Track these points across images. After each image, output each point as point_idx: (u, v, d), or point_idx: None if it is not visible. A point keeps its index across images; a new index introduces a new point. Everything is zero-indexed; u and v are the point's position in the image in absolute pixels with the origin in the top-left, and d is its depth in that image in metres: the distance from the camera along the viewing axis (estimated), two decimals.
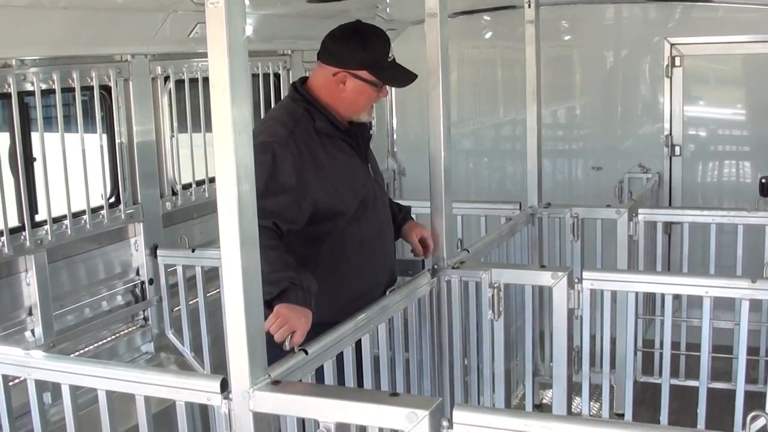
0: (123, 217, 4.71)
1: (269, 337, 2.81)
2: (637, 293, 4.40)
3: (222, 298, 2.48)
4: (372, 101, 3.56)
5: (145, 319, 4.94)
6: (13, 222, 4.09)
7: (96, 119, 4.54)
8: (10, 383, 2.97)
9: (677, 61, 6.54)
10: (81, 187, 4.42)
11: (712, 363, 3.97)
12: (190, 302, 4.80)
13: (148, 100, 4.87)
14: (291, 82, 5.86)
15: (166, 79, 4.99)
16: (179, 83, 5.09)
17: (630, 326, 4.24)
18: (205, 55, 2.29)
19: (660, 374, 4.47)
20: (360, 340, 3.17)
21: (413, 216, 3.98)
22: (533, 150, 5.25)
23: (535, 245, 5.18)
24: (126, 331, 4.86)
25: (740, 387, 3.80)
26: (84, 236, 4.50)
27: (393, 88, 3.69)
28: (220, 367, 4.32)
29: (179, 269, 4.78)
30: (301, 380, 2.74)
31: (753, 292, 3.64)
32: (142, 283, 4.89)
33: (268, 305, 2.98)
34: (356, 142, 3.58)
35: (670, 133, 6.63)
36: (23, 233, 4.11)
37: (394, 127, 7.44)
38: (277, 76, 5.98)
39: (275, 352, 2.77)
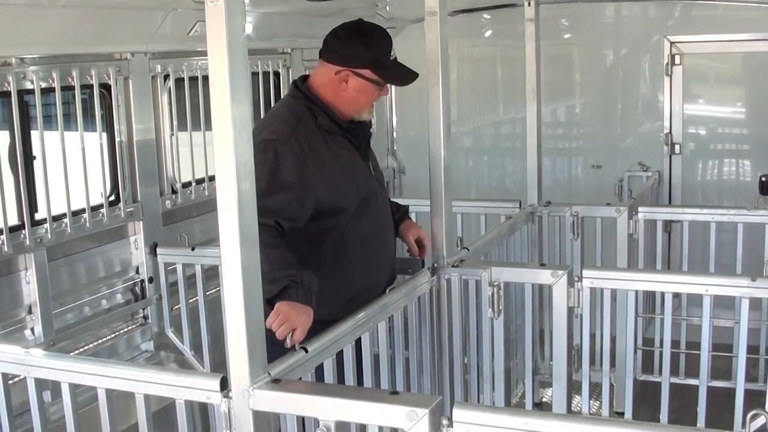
0: (123, 215, 4.71)
1: (270, 334, 2.81)
2: (637, 291, 4.40)
3: (222, 297, 2.48)
4: (373, 100, 3.58)
5: (145, 317, 4.95)
6: (13, 220, 4.09)
7: (96, 118, 4.54)
8: (10, 381, 2.97)
9: (677, 60, 6.53)
10: (81, 185, 4.42)
11: (712, 361, 3.97)
12: (190, 301, 4.80)
13: (148, 98, 4.87)
14: (291, 80, 5.89)
15: (166, 77, 4.99)
16: (179, 81, 5.09)
17: (630, 324, 4.24)
18: (204, 53, 2.29)
19: (660, 373, 4.47)
20: (360, 338, 3.17)
21: (413, 215, 3.98)
22: (533, 148, 5.25)
23: (535, 244, 5.18)
24: (126, 329, 4.86)
25: (740, 385, 3.80)
26: (84, 234, 4.50)
27: (393, 87, 3.69)
28: (219, 365, 4.32)
29: (179, 268, 4.78)
30: (300, 378, 2.74)
31: (753, 291, 3.64)
32: (142, 281, 4.90)
33: (270, 303, 2.98)
34: (357, 139, 3.59)
35: (670, 132, 6.63)
36: (23, 231, 4.11)
37: (394, 126, 7.44)
38: (276, 74, 5.98)
39: (277, 349, 2.78)
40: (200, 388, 2.52)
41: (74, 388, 2.79)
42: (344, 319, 3.08)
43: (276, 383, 2.47)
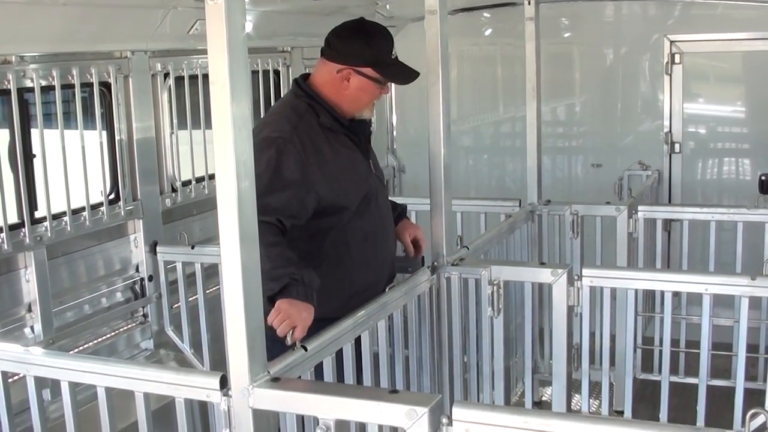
0: (122, 213, 4.71)
1: (271, 332, 2.81)
2: (636, 290, 4.40)
3: (221, 295, 2.48)
4: (375, 98, 3.59)
5: (145, 315, 4.95)
6: (13, 218, 4.08)
7: (96, 116, 4.54)
8: (10, 380, 2.96)
9: (677, 59, 6.53)
10: (80, 183, 4.42)
11: (712, 360, 3.97)
12: (190, 299, 4.80)
13: (148, 96, 4.87)
14: (291, 79, 5.90)
15: (166, 75, 4.99)
16: (179, 80, 5.08)
17: (629, 323, 4.24)
18: (204, 51, 2.29)
19: (659, 371, 4.47)
20: (360, 337, 3.17)
21: (412, 213, 3.98)
22: (533, 147, 5.25)
23: (535, 242, 5.18)
24: (125, 327, 4.86)
25: (740, 384, 3.80)
26: (83, 233, 4.50)
27: (393, 86, 3.70)
28: (219, 363, 4.32)
29: (179, 266, 4.78)
30: (300, 377, 2.74)
31: (752, 290, 3.64)
32: (142, 279, 4.90)
33: (271, 301, 2.99)
34: (358, 137, 3.61)
35: (670, 131, 6.63)
36: (23, 230, 4.10)
37: (394, 124, 7.44)
38: (276, 72, 5.98)
39: (277, 347, 2.78)
40: (200, 386, 2.52)
41: (74, 386, 2.79)
42: (344, 318, 3.09)
43: (276, 382, 2.47)
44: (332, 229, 3.46)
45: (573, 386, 4.09)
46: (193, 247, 4.76)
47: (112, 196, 4.69)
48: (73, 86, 4.36)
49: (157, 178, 4.98)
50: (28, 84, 4.12)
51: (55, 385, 3.20)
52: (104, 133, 4.64)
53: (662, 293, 4.16)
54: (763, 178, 5.86)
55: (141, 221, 4.84)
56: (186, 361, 4.85)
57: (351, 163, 3.54)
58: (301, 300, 3.06)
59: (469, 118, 7.26)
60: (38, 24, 3.95)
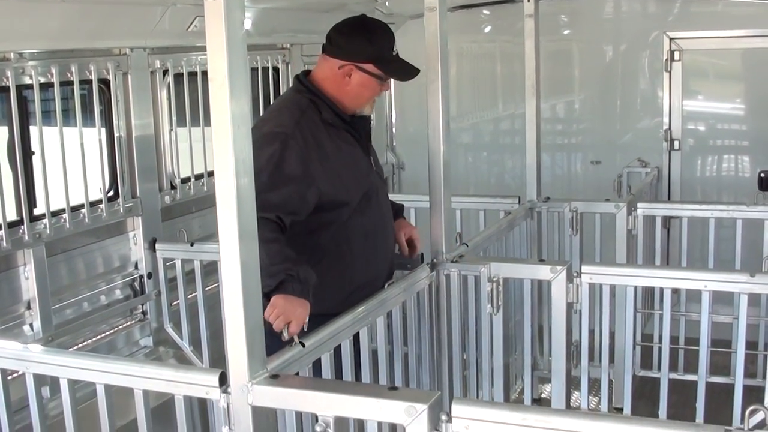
0: (122, 211, 4.70)
1: (269, 327, 2.81)
2: (636, 287, 4.41)
3: (221, 292, 2.48)
4: (376, 95, 3.61)
5: (144, 313, 4.94)
6: (12, 216, 4.08)
7: (95, 113, 4.54)
8: (9, 377, 2.97)
9: (676, 56, 6.53)
10: (79, 180, 4.41)
11: (711, 357, 3.97)
12: (189, 296, 4.80)
13: (147, 93, 4.86)
14: (290, 76, 5.90)
15: (165, 72, 4.98)
16: (178, 77, 5.08)
17: (629, 320, 4.24)
18: (204, 48, 2.28)
19: (659, 368, 4.47)
20: (358, 333, 3.17)
21: (412, 210, 3.98)
22: (532, 144, 5.25)
23: (534, 239, 5.18)
24: (124, 325, 4.86)
25: (739, 381, 3.80)
26: (82, 230, 4.49)
27: (393, 83, 3.71)
28: (218, 361, 4.32)
29: (178, 263, 4.78)
30: (298, 373, 2.74)
31: (752, 287, 3.65)
32: (141, 277, 4.89)
33: (267, 298, 2.99)
34: (359, 134, 3.61)
35: (669, 128, 6.63)
36: (22, 227, 4.10)
37: (393, 122, 7.44)
38: (276, 70, 5.97)
39: (276, 342, 2.79)
40: (199, 383, 2.52)
41: (73, 383, 2.79)
42: (342, 314, 3.09)
43: (275, 379, 2.47)
44: (333, 224, 3.46)
45: (572, 383, 4.08)
46: (192, 245, 4.75)
47: (111, 194, 4.69)
48: (72, 83, 4.36)
49: (156, 176, 4.97)
50: (27, 81, 4.12)
51: (54, 383, 3.19)
52: (103, 130, 4.64)
53: (661, 290, 4.16)
54: (762, 175, 5.85)
55: (140, 218, 4.83)
56: (185, 358, 4.85)
57: (352, 159, 3.55)
58: (297, 296, 3.06)
59: (468, 115, 7.26)
60: (37, 21, 3.94)
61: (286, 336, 2.87)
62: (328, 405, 2.36)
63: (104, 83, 4.59)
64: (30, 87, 4.13)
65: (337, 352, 3.05)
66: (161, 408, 2.94)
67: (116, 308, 4.78)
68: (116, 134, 4.68)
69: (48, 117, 4.26)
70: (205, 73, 2.55)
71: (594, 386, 4.63)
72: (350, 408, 2.36)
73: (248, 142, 2.35)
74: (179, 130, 5.11)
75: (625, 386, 4.29)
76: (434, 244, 3.82)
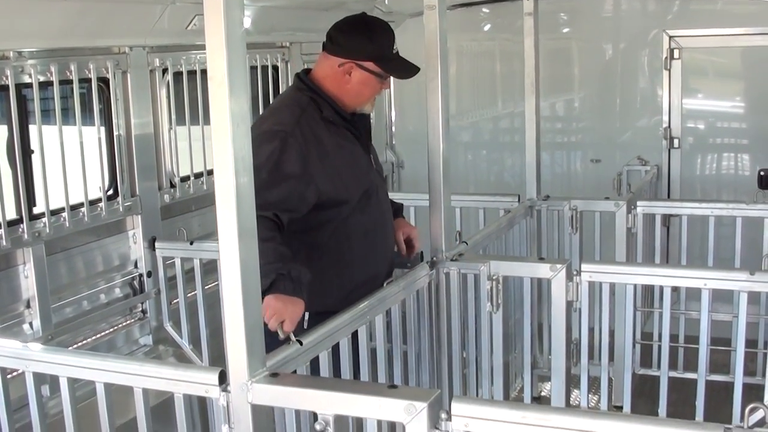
0: (121, 209, 4.70)
1: (266, 327, 2.81)
2: (635, 285, 4.41)
3: (220, 291, 2.47)
4: (376, 93, 3.61)
5: (144, 311, 4.94)
6: (11, 214, 4.08)
7: (94, 111, 4.53)
8: (8, 376, 2.96)
9: (676, 54, 6.53)
10: (79, 179, 4.41)
11: (711, 355, 3.97)
12: (189, 295, 4.80)
13: (146, 92, 4.86)
14: (289, 74, 5.90)
15: (164, 71, 4.98)
16: (177, 75, 5.08)
17: (628, 318, 4.24)
18: (203, 47, 2.28)
19: (658, 367, 4.47)
20: (357, 332, 3.17)
21: (411, 209, 3.98)
22: (532, 142, 5.25)
23: (534, 237, 5.18)
24: (124, 323, 4.86)
25: (738, 379, 3.80)
26: (82, 229, 4.49)
27: (392, 81, 3.71)
28: (218, 359, 4.32)
29: (177, 262, 4.78)
30: (295, 371, 2.74)
31: (751, 285, 3.65)
32: (141, 275, 4.89)
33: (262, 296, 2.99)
34: (359, 132, 3.62)
35: (669, 126, 6.63)
36: (21, 226, 4.10)
37: (393, 120, 7.44)
38: (275, 68, 5.97)
39: (275, 342, 2.79)
40: (199, 382, 2.52)
41: (73, 382, 2.78)
42: (340, 312, 3.09)
43: (274, 377, 2.47)
44: (332, 222, 3.47)
45: (572, 381, 4.08)
46: (191, 243, 4.75)
47: (110, 192, 4.68)
48: (71, 82, 4.36)
49: (155, 174, 4.97)
50: (26, 80, 4.12)
51: (53, 381, 3.19)
52: (102, 128, 4.64)
53: (661, 288, 4.16)
54: (761, 173, 5.86)
55: (139, 217, 4.83)
56: (185, 356, 4.85)
57: (353, 157, 3.55)
58: (289, 294, 3.06)
59: (468, 114, 7.26)
60: (37, 19, 3.94)
61: (281, 335, 2.87)
62: (327, 403, 2.36)
63: (103, 82, 4.59)
64: (29, 86, 4.13)
65: (336, 350, 3.05)
66: (161, 406, 2.94)
67: (116, 307, 4.78)
68: (116, 133, 4.68)
69: (47, 116, 4.25)
70: (204, 72, 2.54)
71: (594, 384, 4.63)
72: (350, 406, 2.36)
73: (248, 141, 2.35)
74: (179, 128, 5.11)
75: (624, 384, 4.29)
76: (434, 243, 3.82)
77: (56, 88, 4.24)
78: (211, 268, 4.81)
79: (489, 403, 2.78)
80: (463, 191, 5.91)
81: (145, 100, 4.84)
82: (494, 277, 3.71)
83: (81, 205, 4.44)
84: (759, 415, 2.29)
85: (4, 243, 3.99)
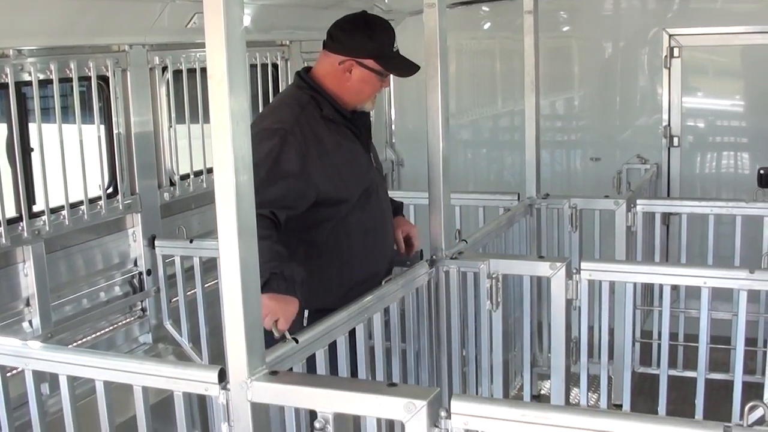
0: (121, 207, 4.70)
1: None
2: (635, 284, 4.41)
3: (220, 289, 2.47)
4: (376, 91, 3.62)
5: (143, 309, 4.94)
6: (11, 212, 4.08)
7: (94, 110, 4.53)
8: (8, 374, 2.96)
9: (676, 52, 6.53)
10: (79, 177, 4.41)
11: (710, 354, 3.97)
12: (188, 293, 4.80)
13: (146, 90, 4.86)
14: (289, 72, 5.90)
15: (164, 69, 4.98)
16: (177, 73, 5.07)
17: (628, 317, 4.24)
18: (203, 45, 2.28)
19: (658, 365, 4.47)
20: (355, 330, 3.17)
21: (411, 207, 3.98)
22: (531, 141, 5.25)
23: (534, 236, 5.18)
24: (124, 321, 4.85)
25: (738, 377, 3.80)
26: (82, 227, 4.49)
27: (392, 79, 3.71)
28: (218, 357, 4.30)
29: (177, 260, 4.77)
30: (291, 369, 2.74)
31: (751, 283, 3.65)
32: (140, 273, 4.89)
33: None
34: (359, 130, 3.62)
35: (669, 124, 6.63)
36: (21, 224, 4.10)
37: (393, 118, 7.44)
38: (275, 66, 5.97)
39: (273, 340, 2.79)
40: (198, 380, 2.52)
41: (72, 380, 2.79)
42: (338, 310, 3.09)
43: (274, 375, 2.47)
44: (331, 220, 3.47)
45: (572, 380, 4.09)
46: (191, 241, 4.75)
47: (110, 190, 4.68)
48: (71, 80, 4.35)
49: (155, 172, 4.97)
50: (26, 78, 4.11)
51: (53, 380, 3.19)
52: (102, 127, 4.64)
53: (661, 287, 4.17)
54: (761, 171, 5.86)
55: (139, 215, 4.83)
56: (184, 354, 4.85)
57: (352, 155, 3.56)
58: (282, 293, 3.06)
59: (467, 112, 7.26)
60: (36, 17, 3.94)
61: (276, 334, 2.88)
62: (327, 401, 2.36)
63: (103, 80, 4.58)
64: (29, 84, 4.13)
65: (334, 348, 3.05)
66: (160, 404, 2.94)
67: (115, 305, 4.78)
68: (115, 131, 4.67)
69: (47, 114, 4.25)
70: (204, 70, 2.54)
71: (593, 383, 4.63)
72: (349, 404, 2.36)
73: (247, 139, 2.35)
74: (178, 126, 5.11)
75: (624, 383, 4.29)
76: (433, 241, 3.82)
77: (56, 86, 4.24)
78: (210, 267, 4.81)
79: (489, 401, 2.77)
80: (463, 189, 5.91)
81: (144, 98, 4.84)
82: (494, 276, 3.72)
83: (81, 203, 4.44)
84: (758, 413, 2.29)
85: (4, 241, 3.99)
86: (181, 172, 5.17)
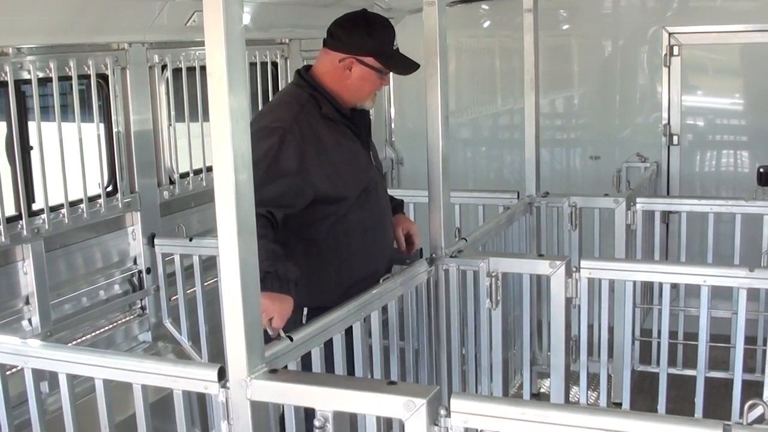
0: (120, 206, 4.70)
1: None
2: (635, 282, 4.41)
3: (219, 287, 2.47)
4: (376, 89, 3.62)
5: (143, 308, 4.94)
6: (10, 211, 4.08)
7: (93, 108, 4.53)
8: (7, 372, 2.96)
9: (675, 51, 6.52)
10: (78, 176, 4.41)
11: (710, 352, 3.97)
12: (188, 291, 4.80)
13: (146, 88, 4.86)
14: (289, 71, 5.90)
15: (164, 67, 4.98)
16: (176, 72, 5.07)
17: (628, 315, 4.24)
18: (202, 43, 2.28)
19: (658, 363, 4.47)
20: (351, 328, 3.16)
21: (411, 205, 3.98)
22: (531, 139, 5.25)
23: (533, 234, 5.18)
24: (123, 320, 4.85)
25: (738, 376, 3.80)
26: (81, 225, 4.49)
27: (392, 78, 3.71)
28: (217, 356, 4.30)
29: (177, 258, 4.77)
30: (287, 366, 2.74)
31: (751, 281, 3.65)
32: (140, 272, 4.89)
33: None
34: (359, 129, 3.62)
35: (668, 123, 6.63)
36: (20, 222, 4.10)
37: (392, 117, 7.44)
38: (274, 64, 5.97)
39: (267, 339, 2.79)
40: (198, 378, 2.52)
41: (72, 378, 2.79)
42: (334, 308, 3.09)
43: (273, 373, 2.47)
44: (331, 218, 3.47)
45: (571, 378, 4.09)
46: (191, 240, 4.76)
47: (109, 189, 4.68)
48: (70, 78, 4.35)
49: (154, 171, 4.97)
50: (26, 76, 4.11)
51: (53, 378, 3.19)
52: (102, 125, 4.64)
53: (660, 285, 4.17)
54: (761, 170, 5.86)
55: (139, 213, 4.83)
56: (184, 353, 4.85)
57: (352, 154, 3.55)
58: (276, 292, 3.06)
59: (467, 111, 7.26)
60: (36, 15, 3.94)
61: (271, 332, 2.88)
62: (326, 400, 2.36)
63: (103, 78, 4.58)
64: (28, 82, 4.12)
65: (330, 346, 3.05)
66: (160, 403, 2.94)
67: (115, 303, 4.78)
68: (115, 129, 4.67)
69: (46, 112, 4.25)
70: (203, 68, 2.53)
71: (593, 381, 4.63)
72: (349, 403, 2.36)
73: (247, 137, 2.35)
74: (178, 125, 5.11)
75: (624, 381, 4.29)
76: (433, 239, 3.82)
77: (55, 84, 4.24)
78: (210, 265, 4.81)
79: (488, 399, 2.78)
80: (463, 188, 5.91)
81: (144, 97, 4.84)
82: (493, 274, 3.72)
83: (80, 201, 4.44)
84: (758, 411, 2.29)
85: (3, 239, 3.99)
86: (181, 171, 5.17)
